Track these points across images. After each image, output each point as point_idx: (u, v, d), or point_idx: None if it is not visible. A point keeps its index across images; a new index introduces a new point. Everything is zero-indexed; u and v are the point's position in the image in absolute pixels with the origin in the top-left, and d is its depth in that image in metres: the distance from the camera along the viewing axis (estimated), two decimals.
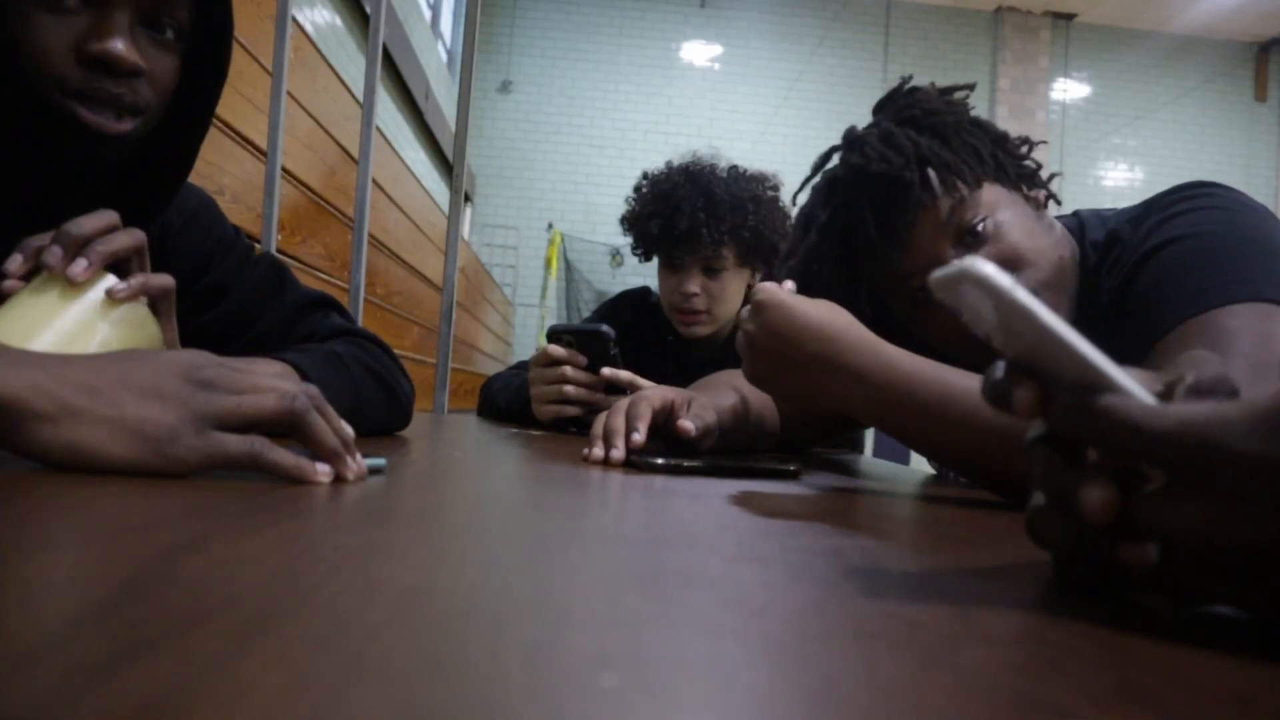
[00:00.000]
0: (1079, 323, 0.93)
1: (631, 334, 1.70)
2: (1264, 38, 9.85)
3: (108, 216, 0.64)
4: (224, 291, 0.92)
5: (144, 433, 0.47)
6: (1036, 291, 0.87)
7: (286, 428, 0.52)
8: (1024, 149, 0.98)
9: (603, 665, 0.23)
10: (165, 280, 0.67)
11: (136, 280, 0.64)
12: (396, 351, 1.01)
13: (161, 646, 0.21)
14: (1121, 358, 0.66)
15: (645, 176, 1.67)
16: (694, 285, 1.57)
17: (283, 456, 0.50)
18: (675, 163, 1.66)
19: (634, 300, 1.79)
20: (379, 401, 0.92)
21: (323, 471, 0.52)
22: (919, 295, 0.93)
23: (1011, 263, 0.89)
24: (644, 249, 1.65)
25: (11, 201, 0.73)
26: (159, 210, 0.83)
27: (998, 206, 0.92)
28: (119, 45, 0.69)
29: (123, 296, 0.63)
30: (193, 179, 0.90)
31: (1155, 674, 0.25)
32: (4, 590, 0.25)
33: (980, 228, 0.91)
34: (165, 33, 0.74)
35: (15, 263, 0.62)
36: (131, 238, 0.65)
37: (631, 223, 1.65)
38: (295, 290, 0.97)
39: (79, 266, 0.61)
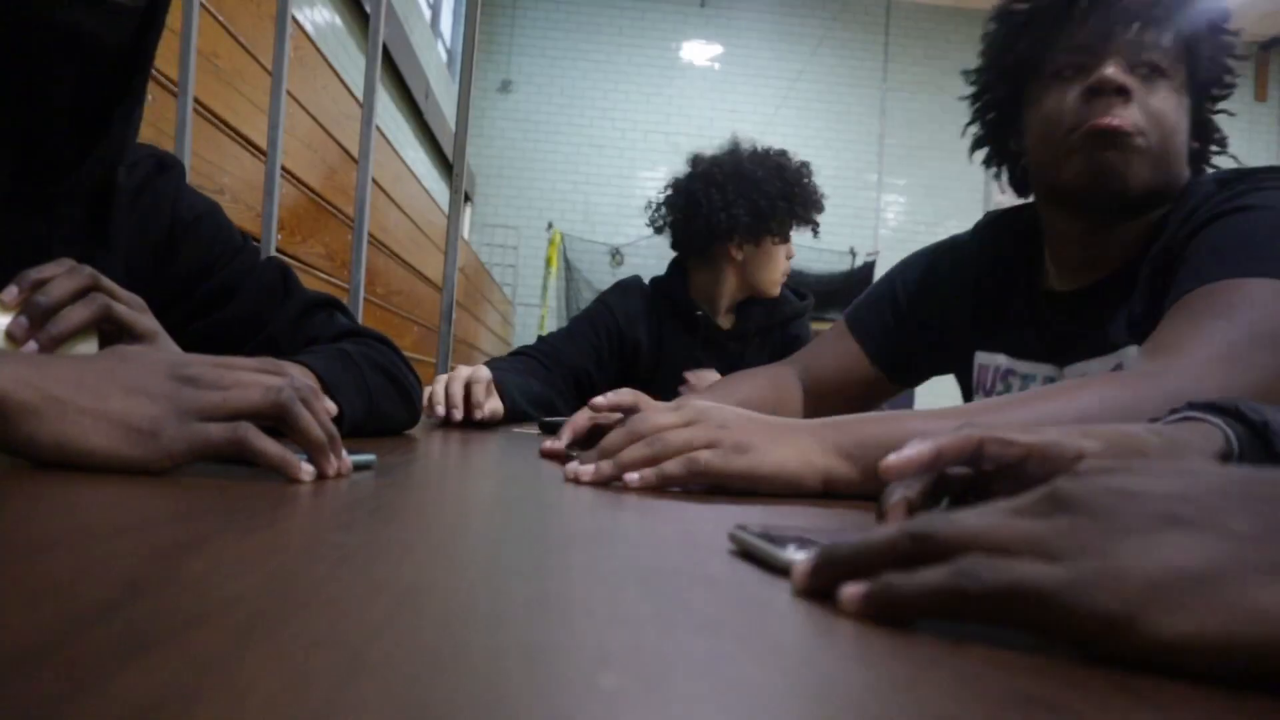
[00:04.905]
0: (1136, 256, 0.96)
1: (650, 319, 1.71)
2: (1264, 37, 9.84)
3: (77, 279, 0.62)
4: (232, 292, 0.92)
5: (128, 424, 0.47)
6: (1148, 149, 0.92)
7: (273, 419, 0.52)
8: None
9: (603, 664, 0.23)
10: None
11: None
12: None
13: (161, 646, 0.21)
14: (1157, 304, 0.79)
15: (751, 166, 1.71)
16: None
17: (269, 445, 0.50)
18: (744, 147, 1.74)
19: (638, 288, 1.78)
20: (392, 401, 0.93)
21: (306, 471, 0.52)
22: (1065, 73, 0.97)
23: (1150, 118, 0.93)
24: (761, 227, 1.69)
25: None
26: (115, 145, 0.80)
27: (1175, 88, 0.95)
28: None
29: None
30: (193, 179, 0.91)
31: (1152, 672, 0.25)
32: (4, 590, 0.25)
33: (1148, 73, 0.94)
34: None
35: (10, 294, 0.62)
36: (89, 310, 0.62)
37: (790, 214, 1.70)
38: (300, 292, 0.98)
39: (29, 348, 0.59)
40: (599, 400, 0.92)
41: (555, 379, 1.57)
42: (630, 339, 1.70)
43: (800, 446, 0.67)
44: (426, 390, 1.20)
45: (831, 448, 0.67)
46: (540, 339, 1.70)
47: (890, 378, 1.19)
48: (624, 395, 0.94)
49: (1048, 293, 1.06)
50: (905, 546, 0.31)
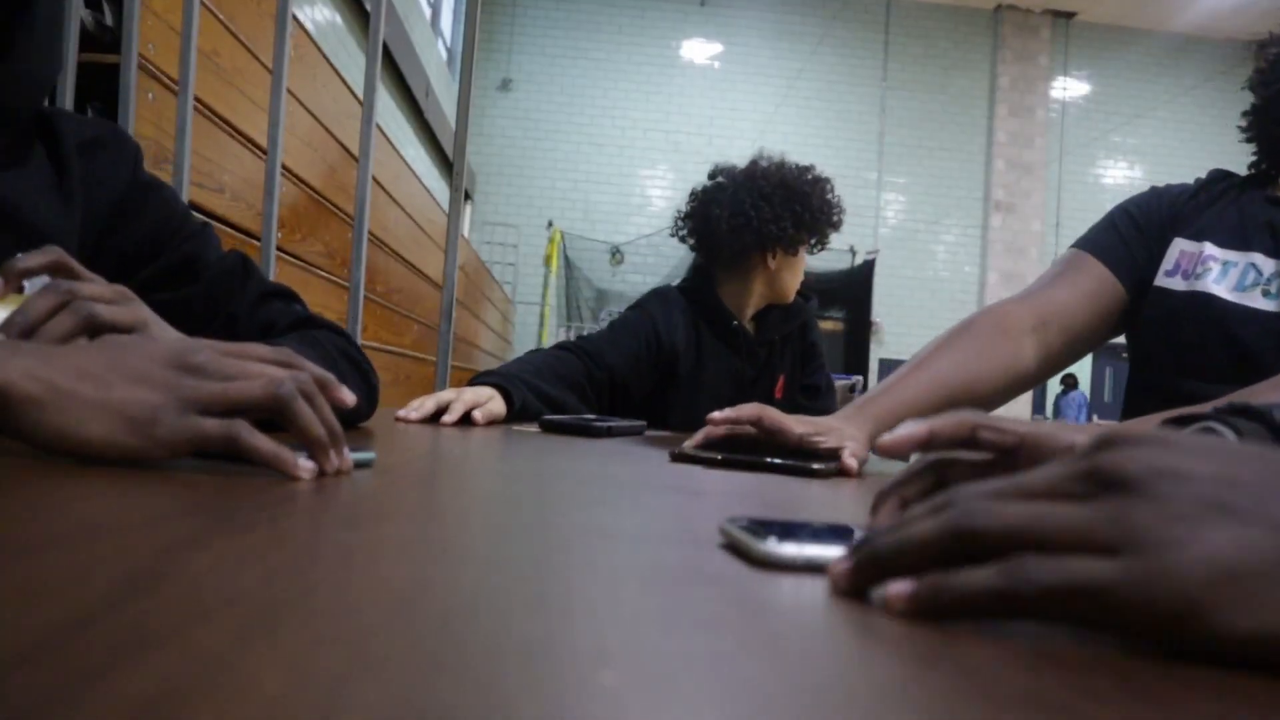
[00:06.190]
0: None
1: (689, 328, 1.73)
2: (1264, 36, 9.84)
3: (55, 297, 0.61)
4: (196, 269, 0.92)
5: (125, 414, 0.48)
6: None
7: (273, 413, 0.51)
8: None
9: (603, 662, 0.23)
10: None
11: None
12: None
13: (162, 644, 0.21)
14: None
15: (804, 180, 1.76)
16: None
17: (262, 442, 0.50)
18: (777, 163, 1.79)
19: (675, 298, 1.79)
20: (359, 387, 0.93)
21: (305, 468, 0.51)
22: None
23: None
24: (794, 238, 1.73)
25: None
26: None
27: None
28: None
29: None
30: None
31: (1153, 669, 0.25)
32: (5, 587, 0.25)
33: None
34: None
35: None
36: (74, 319, 0.60)
37: (827, 225, 1.76)
38: (258, 280, 0.98)
39: None
40: (716, 415, 0.94)
41: (595, 375, 1.58)
42: (670, 348, 1.71)
43: None
44: (430, 400, 1.19)
45: None
46: (581, 338, 1.70)
47: (1132, 297, 1.19)
48: (746, 410, 0.94)
49: (1277, 198, 1.14)
50: (949, 544, 0.30)
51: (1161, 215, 1.21)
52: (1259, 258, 1.10)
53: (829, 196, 1.75)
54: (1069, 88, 10.93)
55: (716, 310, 1.75)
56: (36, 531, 0.34)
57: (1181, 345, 1.13)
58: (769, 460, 0.84)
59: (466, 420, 1.18)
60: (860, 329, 10.23)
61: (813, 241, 1.77)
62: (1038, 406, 10.65)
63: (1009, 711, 0.22)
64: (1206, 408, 0.58)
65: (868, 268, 9.96)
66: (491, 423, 1.20)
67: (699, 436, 0.94)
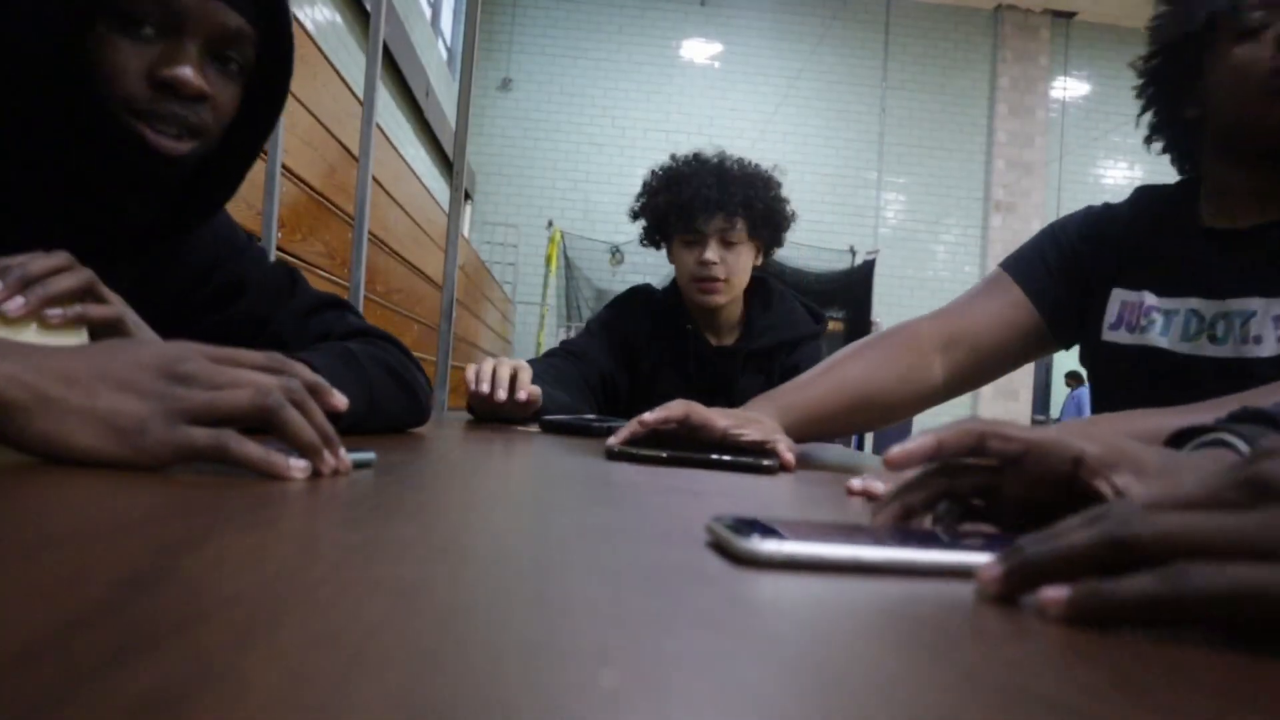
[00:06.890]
0: None
1: (650, 330, 1.72)
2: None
3: (58, 258, 0.63)
4: (241, 288, 0.93)
5: (113, 424, 0.48)
6: None
7: (261, 422, 0.51)
8: None
9: (602, 662, 0.23)
10: (107, 311, 0.65)
11: (73, 310, 0.62)
12: None
13: (161, 644, 0.21)
14: None
15: (653, 171, 1.74)
16: (713, 254, 1.64)
17: (251, 450, 0.50)
18: (680, 155, 1.73)
19: (643, 297, 1.78)
20: (396, 398, 0.93)
21: (298, 467, 0.51)
22: (1251, 27, 0.98)
23: None
24: (660, 229, 1.69)
25: (74, 211, 0.78)
26: (199, 223, 0.89)
27: None
28: (187, 71, 0.75)
29: (56, 322, 0.61)
30: None
31: (1148, 667, 0.25)
32: (5, 588, 0.25)
33: None
34: (230, 65, 0.81)
35: None
36: (76, 279, 0.63)
37: (645, 204, 1.70)
38: (307, 292, 0.98)
39: (14, 304, 0.59)
40: (648, 417, 0.93)
41: (589, 374, 1.59)
42: (631, 347, 1.70)
43: None
44: (471, 368, 1.23)
45: None
46: (564, 342, 1.70)
47: (1050, 327, 1.17)
48: (674, 408, 0.94)
49: (1206, 230, 1.09)
50: (1105, 553, 0.30)
51: (1088, 255, 1.17)
52: (1196, 302, 1.06)
53: (672, 176, 1.66)
54: (1069, 88, 10.93)
55: (671, 312, 1.72)
56: (36, 532, 0.34)
57: (1141, 399, 1.09)
58: (716, 458, 0.84)
59: (501, 419, 1.21)
60: (860, 329, 10.22)
61: (682, 225, 1.64)
62: (1039, 407, 10.65)
63: (1007, 709, 0.22)
64: (1207, 417, 0.58)
65: (867, 268, 9.95)
66: (532, 405, 1.25)
67: (624, 433, 0.92)
